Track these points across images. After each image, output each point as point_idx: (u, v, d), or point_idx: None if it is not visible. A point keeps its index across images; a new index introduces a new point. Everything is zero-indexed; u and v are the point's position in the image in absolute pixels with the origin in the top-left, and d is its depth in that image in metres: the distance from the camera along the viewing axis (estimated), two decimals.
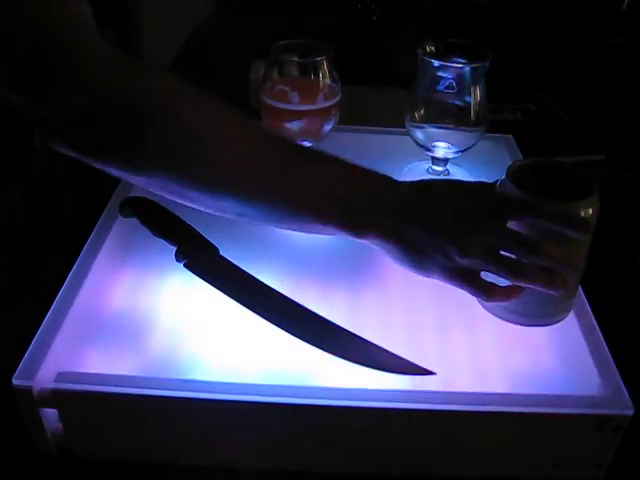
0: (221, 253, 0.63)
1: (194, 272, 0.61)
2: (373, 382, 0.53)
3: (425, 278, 0.55)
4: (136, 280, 0.63)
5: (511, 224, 0.52)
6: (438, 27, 1.11)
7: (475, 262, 0.52)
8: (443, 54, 0.73)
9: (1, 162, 0.84)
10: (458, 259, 0.52)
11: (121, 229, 0.66)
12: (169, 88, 0.52)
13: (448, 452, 0.53)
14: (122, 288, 0.62)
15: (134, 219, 0.65)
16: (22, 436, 0.53)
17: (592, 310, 0.59)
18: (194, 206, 0.55)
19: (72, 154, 0.51)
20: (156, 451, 0.54)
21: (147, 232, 0.64)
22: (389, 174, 0.56)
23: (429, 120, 0.75)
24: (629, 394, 0.51)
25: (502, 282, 0.52)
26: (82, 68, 0.48)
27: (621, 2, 1.24)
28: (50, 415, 0.52)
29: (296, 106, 0.75)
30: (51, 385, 0.51)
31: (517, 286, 0.52)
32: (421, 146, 0.77)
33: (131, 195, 0.67)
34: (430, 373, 0.54)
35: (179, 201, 0.55)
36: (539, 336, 0.57)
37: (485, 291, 0.52)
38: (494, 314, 0.56)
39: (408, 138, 0.77)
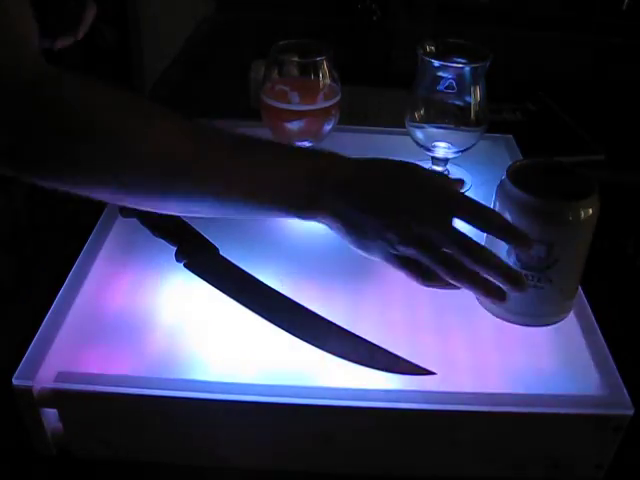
0: (221, 253, 0.63)
1: (194, 272, 0.61)
2: (373, 382, 0.53)
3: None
4: (136, 280, 0.63)
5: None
6: (438, 27, 1.11)
7: (413, 252, 0.51)
8: (443, 54, 0.73)
9: None
10: (397, 246, 0.52)
11: (121, 229, 0.66)
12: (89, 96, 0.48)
13: (448, 452, 0.53)
14: (122, 288, 0.62)
15: (134, 219, 0.65)
16: (22, 436, 0.53)
17: (592, 310, 0.59)
18: (146, 209, 0.54)
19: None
20: (156, 451, 0.54)
21: (147, 232, 0.64)
22: None
23: (429, 120, 0.75)
24: (629, 394, 0.51)
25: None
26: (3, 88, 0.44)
27: (621, 2, 1.24)
28: (50, 415, 0.53)
29: (296, 106, 0.75)
30: (51, 385, 0.51)
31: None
32: (421, 146, 0.77)
33: None
34: (430, 373, 0.54)
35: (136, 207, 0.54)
36: (539, 336, 0.57)
37: (421, 276, 0.53)
38: (494, 314, 0.56)
39: (408, 138, 0.77)
